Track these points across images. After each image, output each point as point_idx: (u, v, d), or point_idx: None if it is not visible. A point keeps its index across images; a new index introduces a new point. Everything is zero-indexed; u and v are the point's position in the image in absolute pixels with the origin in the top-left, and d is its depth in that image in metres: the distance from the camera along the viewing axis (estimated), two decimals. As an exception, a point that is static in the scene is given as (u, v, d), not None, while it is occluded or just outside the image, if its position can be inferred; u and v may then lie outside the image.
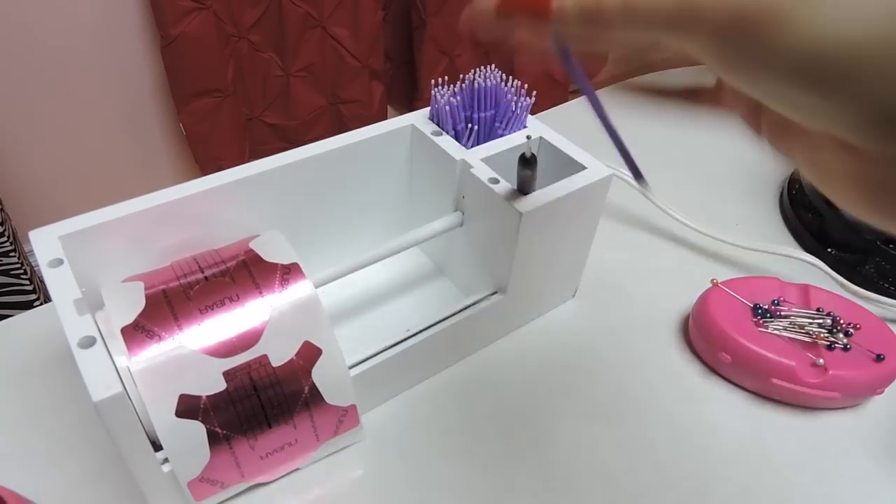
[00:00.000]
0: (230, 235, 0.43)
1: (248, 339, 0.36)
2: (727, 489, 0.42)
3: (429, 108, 0.49)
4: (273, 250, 0.40)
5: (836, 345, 0.45)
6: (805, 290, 0.49)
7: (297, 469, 0.41)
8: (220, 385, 0.35)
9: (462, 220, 0.48)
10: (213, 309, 0.36)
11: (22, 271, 1.23)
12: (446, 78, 0.48)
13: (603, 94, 0.31)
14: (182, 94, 1.41)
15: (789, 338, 0.46)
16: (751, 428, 0.46)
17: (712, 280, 0.50)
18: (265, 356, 0.36)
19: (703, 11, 0.20)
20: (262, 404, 0.37)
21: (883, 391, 0.46)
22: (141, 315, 0.36)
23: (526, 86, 0.48)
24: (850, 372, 0.44)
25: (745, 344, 0.45)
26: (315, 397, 0.38)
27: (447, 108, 0.47)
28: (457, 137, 0.48)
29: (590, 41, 0.25)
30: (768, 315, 0.47)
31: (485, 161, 0.46)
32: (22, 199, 1.41)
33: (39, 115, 1.36)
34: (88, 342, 0.33)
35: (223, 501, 0.40)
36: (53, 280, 0.36)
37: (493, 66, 0.48)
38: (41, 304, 1.28)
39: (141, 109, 1.48)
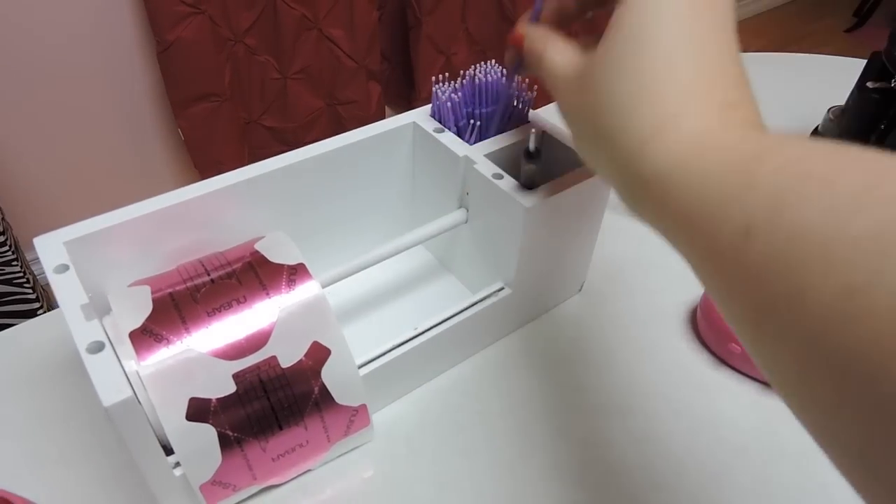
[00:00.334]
0: (235, 237, 0.43)
1: (257, 341, 0.36)
2: (741, 481, 0.42)
3: (430, 106, 0.49)
4: (279, 251, 0.40)
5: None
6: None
7: (309, 470, 0.41)
8: (230, 387, 0.35)
9: (467, 217, 0.48)
10: (220, 311, 0.36)
11: (24, 280, 1.23)
12: (446, 75, 0.48)
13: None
14: (179, 100, 1.40)
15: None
16: (763, 418, 0.45)
17: (719, 271, 0.50)
18: (274, 357, 0.36)
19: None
20: (272, 406, 0.36)
21: None
22: (149, 319, 0.35)
23: (527, 80, 0.47)
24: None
25: (754, 334, 0.45)
26: (325, 398, 0.38)
27: (449, 104, 0.47)
28: (459, 134, 0.48)
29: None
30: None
31: (488, 157, 0.45)
32: (23, 208, 1.41)
33: (37, 124, 1.36)
34: (97, 347, 0.32)
35: (235, 504, 0.40)
36: (60, 286, 0.36)
37: (492, 61, 0.48)
38: (44, 312, 1.28)
39: (139, 115, 1.48)
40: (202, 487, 0.36)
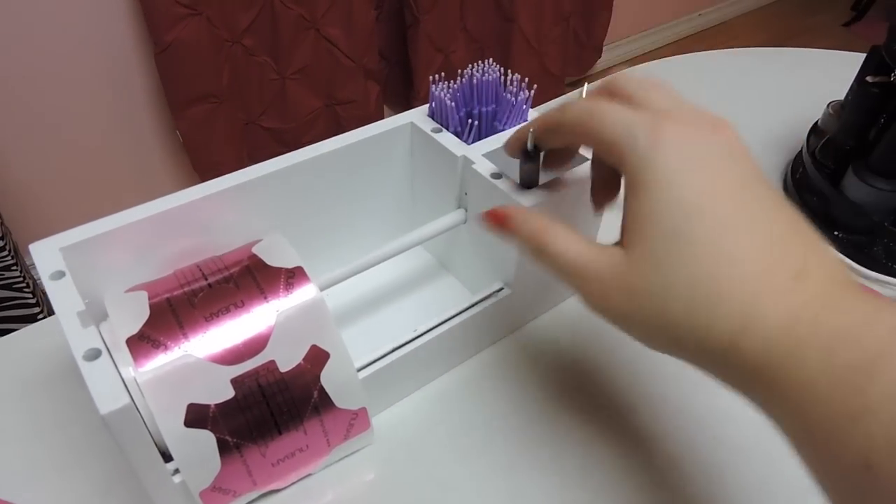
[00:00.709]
0: (232, 241, 0.42)
1: (255, 346, 0.36)
2: (743, 480, 0.42)
3: (428, 106, 0.49)
4: (276, 254, 0.39)
5: (848, 329, 0.45)
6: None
7: (309, 474, 0.41)
8: (229, 393, 0.35)
9: (465, 217, 0.47)
10: (218, 316, 0.36)
11: (24, 284, 1.23)
12: (443, 74, 0.48)
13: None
14: (178, 101, 1.40)
15: (800, 324, 0.45)
16: (764, 417, 0.45)
17: (720, 268, 0.49)
18: (273, 362, 0.36)
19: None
20: (271, 411, 0.36)
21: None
22: (146, 325, 0.35)
23: (526, 79, 0.47)
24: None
25: (756, 332, 0.45)
26: (325, 401, 0.38)
27: (446, 104, 0.46)
28: (457, 134, 0.47)
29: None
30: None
31: (486, 156, 0.45)
32: (21, 211, 1.41)
33: (34, 126, 1.36)
34: (94, 354, 0.32)
35: (236, 510, 0.39)
36: (56, 293, 0.35)
37: (490, 60, 0.48)
38: (44, 316, 1.27)
39: (137, 117, 1.47)
40: (202, 494, 0.36)
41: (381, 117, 1.71)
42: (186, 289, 0.37)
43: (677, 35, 2.50)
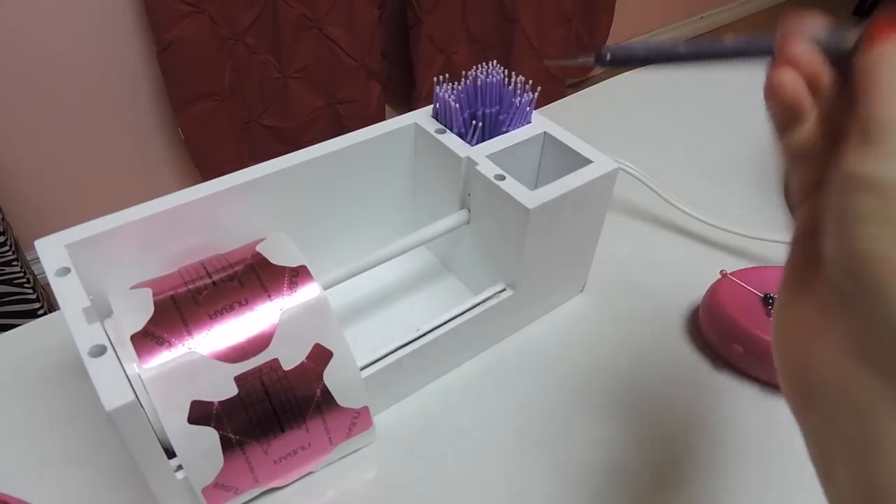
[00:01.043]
0: (236, 239, 0.43)
1: (259, 344, 0.36)
2: (743, 483, 0.42)
3: (432, 107, 0.49)
4: (280, 253, 0.40)
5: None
6: (815, 278, 0.49)
7: (311, 472, 0.41)
8: (232, 390, 0.35)
9: (469, 218, 0.48)
10: (222, 314, 0.36)
11: (25, 280, 1.23)
12: (447, 75, 0.48)
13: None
14: (180, 99, 1.40)
15: (801, 327, 0.46)
16: (765, 420, 0.45)
17: (721, 271, 0.50)
18: (276, 360, 0.36)
19: None
20: (274, 409, 0.36)
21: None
22: (150, 322, 0.35)
23: (531, 81, 0.47)
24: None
25: (757, 334, 0.45)
26: (327, 400, 0.38)
27: (450, 105, 0.47)
28: (461, 135, 0.47)
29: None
30: (779, 305, 0.47)
31: (490, 158, 0.45)
32: (23, 208, 1.41)
33: (37, 123, 1.36)
34: (99, 351, 0.32)
35: (237, 507, 0.40)
36: (61, 289, 0.35)
37: (494, 61, 0.48)
38: (44, 312, 1.28)
39: (139, 115, 1.48)
40: (204, 490, 0.36)
41: (383, 117, 1.71)
42: (191, 286, 0.38)
43: (679, 37, 2.51)
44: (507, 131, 0.48)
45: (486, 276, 0.48)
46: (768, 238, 0.55)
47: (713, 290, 0.49)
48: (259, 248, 0.40)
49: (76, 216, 0.39)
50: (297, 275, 0.38)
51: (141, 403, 0.32)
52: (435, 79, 0.48)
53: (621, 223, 0.60)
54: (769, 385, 0.47)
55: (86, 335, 0.33)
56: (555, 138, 0.48)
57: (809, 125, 0.26)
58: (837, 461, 0.22)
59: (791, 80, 0.25)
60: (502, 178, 0.43)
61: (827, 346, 0.23)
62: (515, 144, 0.47)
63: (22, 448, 0.43)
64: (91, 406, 0.45)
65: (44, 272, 0.36)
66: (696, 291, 0.52)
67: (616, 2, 2.02)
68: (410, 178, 0.52)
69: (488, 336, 0.49)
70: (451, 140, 0.47)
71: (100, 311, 0.36)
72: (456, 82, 0.48)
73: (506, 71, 0.47)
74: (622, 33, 2.28)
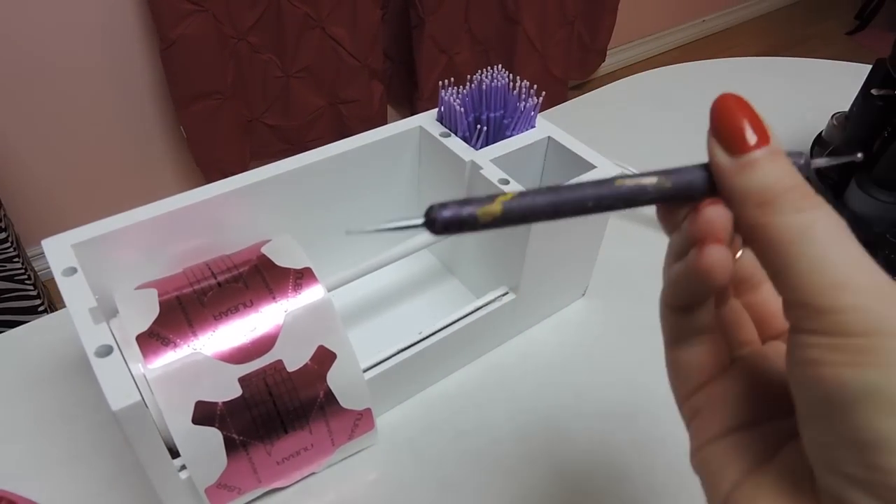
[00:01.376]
0: (241, 240, 0.43)
1: (263, 345, 0.36)
2: (742, 486, 0.42)
3: (436, 110, 0.49)
4: (285, 255, 0.40)
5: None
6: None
7: (313, 473, 0.41)
8: (236, 391, 0.35)
9: (472, 221, 0.48)
10: (227, 315, 0.36)
11: (26, 276, 1.23)
12: (452, 79, 0.48)
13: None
14: (182, 97, 1.40)
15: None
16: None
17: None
18: (280, 361, 0.36)
19: None
20: (277, 410, 0.37)
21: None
22: (155, 322, 0.36)
23: (535, 86, 0.47)
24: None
25: (757, 340, 0.45)
26: (330, 402, 0.38)
27: (455, 109, 0.47)
28: (466, 139, 0.48)
29: None
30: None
31: (494, 162, 0.46)
32: (23, 204, 1.41)
33: (39, 120, 1.36)
34: (105, 351, 0.32)
35: (240, 507, 0.40)
36: (68, 289, 0.36)
37: (499, 66, 0.48)
38: (45, 308, 1.28)
39: (141, 113, 1.48)
40: (207, 490, 0.36)
41: (385, 117, 1.71)
42: (196, 287, 0.38)
43: (681, 40, 2.51)
44: (511, 135, 0.48)
45: (489, 279, 0.49)
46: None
47: (714, 296, 0.49)
48: (264, 250, 0.40)
49: (77, 212, 0.39)
50: (302, 277, 0.38)
51: (146, 403, 0.32)
52: (440, 82, 0.48)
53: (624, 227, 0.60)
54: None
55: (92, 335, 0.33)
56: (559, 143, 0.48)
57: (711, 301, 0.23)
58: None
59: (725, 260, 0.21)
60: (506, 182, 0.44)
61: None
62: (520, 149, 0.47)
63: (25, 446, 0.43)
64: (95, 404, 0.45)
65: (44, 269, 0.36)
66: (697, 296, 0.52)
67: (619, 4, 2.02)
68: (415, 181, 0.52)
69: (490, 339, 0.49)
70: (456, 144, 0.47)
71: (105, 311, 0.36)
72: (461, 86, 0.48)
73: (510, 75, 0.48)
74: (624, 36, 2.28)
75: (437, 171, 0.49)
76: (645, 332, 0.51)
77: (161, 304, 0.37)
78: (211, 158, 1.52)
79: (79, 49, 1.32)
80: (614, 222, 0.59)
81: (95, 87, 1.38)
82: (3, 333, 0.50)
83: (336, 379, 0.38)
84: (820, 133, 0.65)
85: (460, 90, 0.48)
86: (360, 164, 0.47)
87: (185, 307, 0.37)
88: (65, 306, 0.36)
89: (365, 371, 0.41)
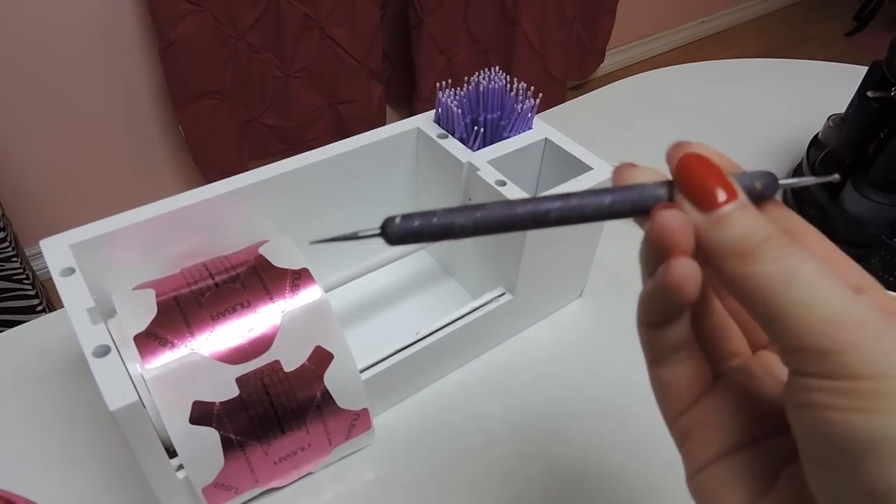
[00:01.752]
0: (239, 241, 0.43)
1: (260, 345, 0.36)
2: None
3: (434, 111, 0.49)
4: (282, 256, 0.40)
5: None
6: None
7: (310, 473, 0.42)
8: (233, 391, 0.35)
9: (469, 222, 0.48)
10: (224, 315, 0.37)
11: (24, 276, 1.23)
12: (450, 80, 0.49)
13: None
14: (181, 97, 1.41)
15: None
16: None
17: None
18: (277, 362, 0.36)
19: None
20: (274, 410, 0.37)
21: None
22: (153, 322, 0.36)
23: (532, 88, 0.48)
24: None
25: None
26: (327, 402, 0.38)
27: (453, 110, 0.47)
28: (463, 140, 0.48)
29: None
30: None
31: (491, 163, 0.46)
32: (23, 203, 1.41)
33: (38, 120, 1.36)
34: (103, 351, 0.33)
35: (237, 506, 0.40)
36: (66, 289, 0.36)
37: (496, 67, 0.48)
38: (43, 308, 1.28)
39: (140, 112, 1.48)
40: (204, 490, 0.36)
41: (384, 117, 1.71)
42: (193, 287, 0.38)
43: (680, 41, 2.51)
44: (508, 137, 0.49)
45: (486, 280, 0.49)
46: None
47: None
48: (261, 251, 0.41)
49: (75, 212, 0.40)
50: (299, 277, 0.39)
51: (143, 403, 0.32)
52: (437, 84, 0.48)
53: (620, 228, 0.60)
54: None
55: (90, 335, 0.33)
56: (556, 145, 0.48)
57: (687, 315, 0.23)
58: None
59: (693, 272, 0.20)
60: (503, 183, 0.44)
61: None
62: (517, 150, 0.47)
63: (23, 445, 0.43)
64: (92, 404, 0.45)
65: (43, 268, 0.37)
66: (693, 297, 0.53)
67: (618, 5, 2.02)
68: (412, 182, 0.52)
69: (487, 340, 0.49)
70: (453, 145, 0.47)
71: (103, 311, 0.36)
72: (458, 87, 0.48)
73: (507, 77, 0.48)
74: (623, 37, 2.28)
75: (435, 173, 0.49)
76: (641, 332, 0.52)
77: (159, 304, 0.37)
78: (209, 158, 1.52)
79: (77, 48, 1.32)
80: (611, 223, 0.60)
81: (94, 86, 1.38)
82: (1, 333, 0.50)
83: (333, 379, 0.38)
84: (816, 135, 0.65)
85: (458, 92, 0.48)
86: (357, 165, 0.47)
87: (183, 307, 0.37)
88: (63, 306, 0.36)
89: (362, 371, 0.41)
